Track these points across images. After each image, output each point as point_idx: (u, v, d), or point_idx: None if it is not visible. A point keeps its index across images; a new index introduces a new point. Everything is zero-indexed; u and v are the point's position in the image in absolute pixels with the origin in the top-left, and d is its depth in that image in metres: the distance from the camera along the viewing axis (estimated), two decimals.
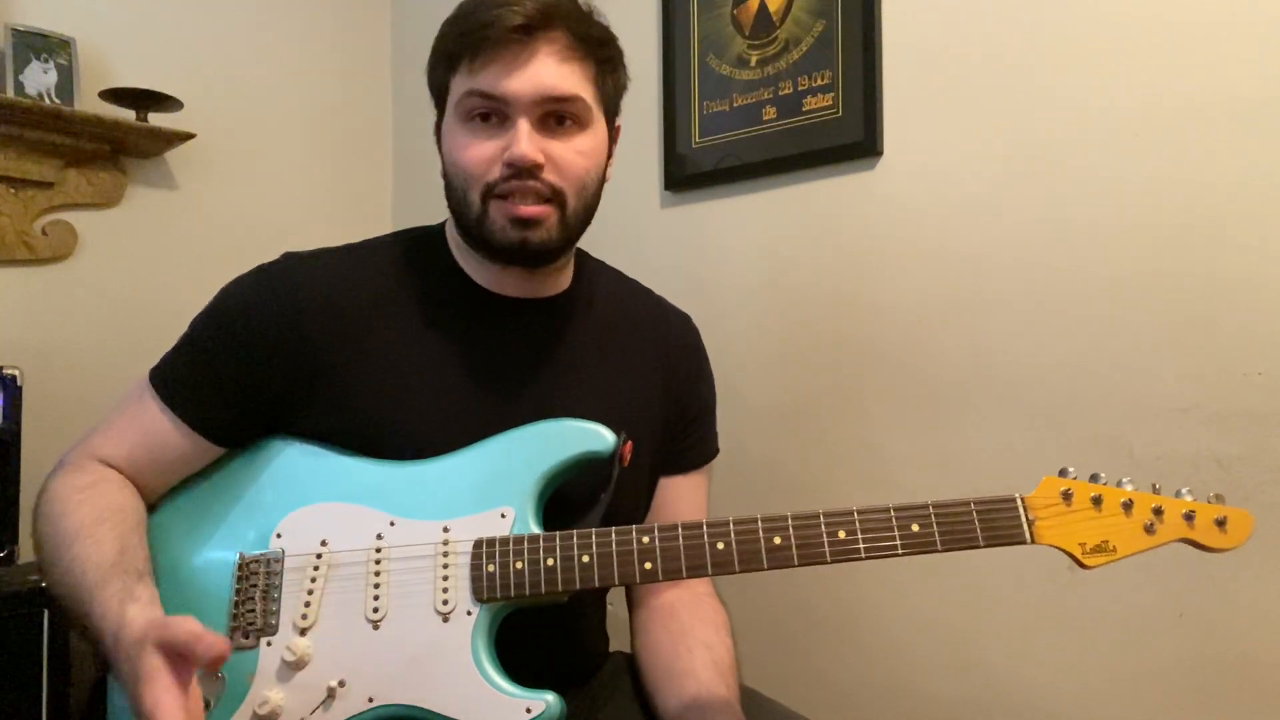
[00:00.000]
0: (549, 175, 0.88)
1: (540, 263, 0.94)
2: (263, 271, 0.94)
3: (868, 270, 1.52)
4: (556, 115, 0.89)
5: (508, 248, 0.90)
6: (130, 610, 0.75)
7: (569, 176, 0.90)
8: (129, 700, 0.72)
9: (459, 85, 0.89)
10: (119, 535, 0.83)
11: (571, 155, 0.89)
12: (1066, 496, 0.80)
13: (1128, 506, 0.79)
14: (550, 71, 0.87)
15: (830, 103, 1.55)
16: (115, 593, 0.78)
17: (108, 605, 0.77)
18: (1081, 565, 0.79)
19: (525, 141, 0.86)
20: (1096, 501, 0.80)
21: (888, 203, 1.50)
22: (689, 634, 0.97)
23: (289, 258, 0.96)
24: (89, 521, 0.84)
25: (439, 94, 0.94)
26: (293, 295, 0.92)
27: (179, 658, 0.70)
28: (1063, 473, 0.81)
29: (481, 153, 0.88)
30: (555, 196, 0.89)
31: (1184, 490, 0.80)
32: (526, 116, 0.87)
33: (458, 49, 0.89)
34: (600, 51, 0.92)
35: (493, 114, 0.88)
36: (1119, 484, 0.81)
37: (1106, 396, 1.27)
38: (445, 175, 0.94)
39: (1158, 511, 0.79)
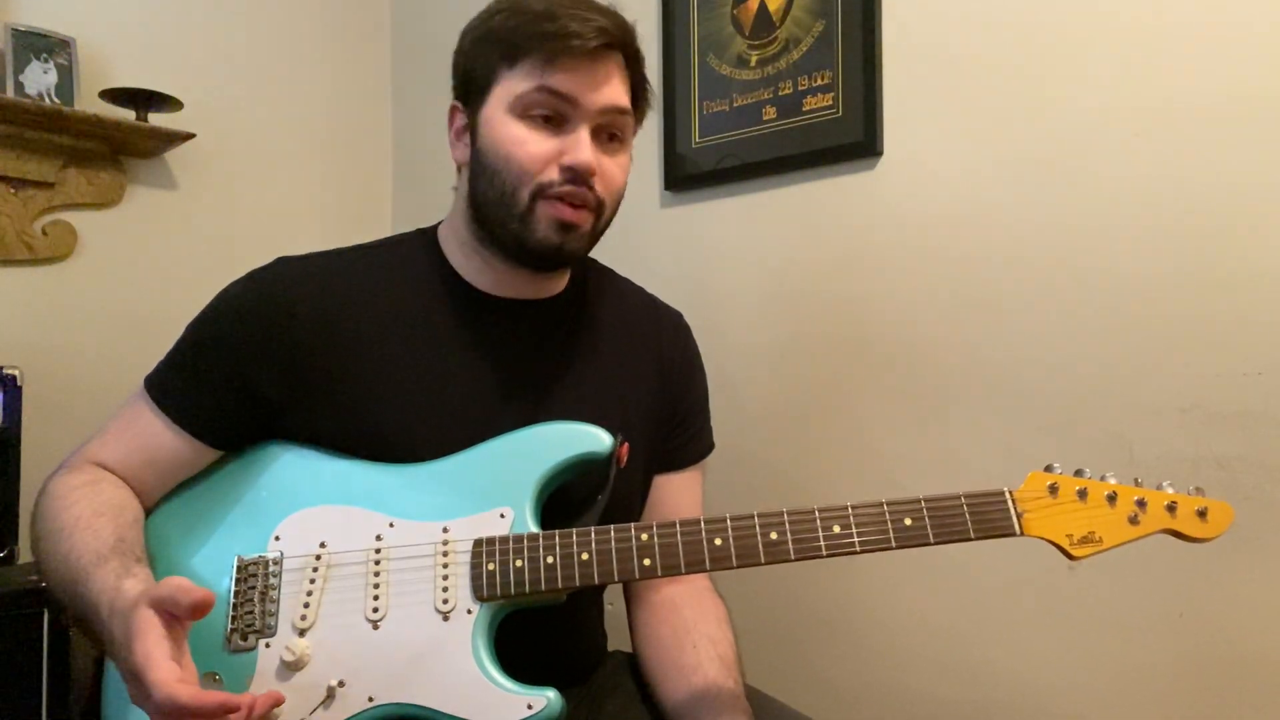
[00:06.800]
0: (598, 186, 0.91)
1: (558, 268, 0.98)
2: (255, 276, 0.95)
3: (867, 270, 1.52)
4: (609, 131, 0.92)
5: (543, 250, 0.92)
6: (126, 583, 0.76)
7: (611, 190, 0.93)
8: (121, 667, 0.72)
9: (522, 81, 0.89)
10: (117, 527, 0.84)
11: (616, 170, 0.94)
12: (1053, 490, 0.83)
13: (1112, 499, 0.82)
14: (617, 90, 0.91)
15: (830, 103, 1.55)
16: (113, 569, 0.79)
17: (104, 581, 0.77)
18: (1070, 556, 0.82)
19: (588, 149, 0.89)
20: (1082, 494, 0.82)
21: (888, 203, 1.50)
22: (692, 629, 0.98)
23: (281, 262, 0.96)
24: (87, 514, 0.84)
25: (481, 82, 0.93)
26: (285, 299, 0.92)
27: (172, 618, 0.71)
28: (1048, 468, 0.84)
29: (540, 151, 0.89)
30: (598, 207, 0.92)
31: (1165, 483, 0.83)
32: (588, 126, 0.90)
33: (525, 47, 0.89)
34: (642, 75, 0.96)
35: (554, 116, 0.90)
36: (1102, 478, 0.83)
37: (1106, 396, 1.26)
38: (480, 164, 0.92)
39: (1141, 503, 0.82)
